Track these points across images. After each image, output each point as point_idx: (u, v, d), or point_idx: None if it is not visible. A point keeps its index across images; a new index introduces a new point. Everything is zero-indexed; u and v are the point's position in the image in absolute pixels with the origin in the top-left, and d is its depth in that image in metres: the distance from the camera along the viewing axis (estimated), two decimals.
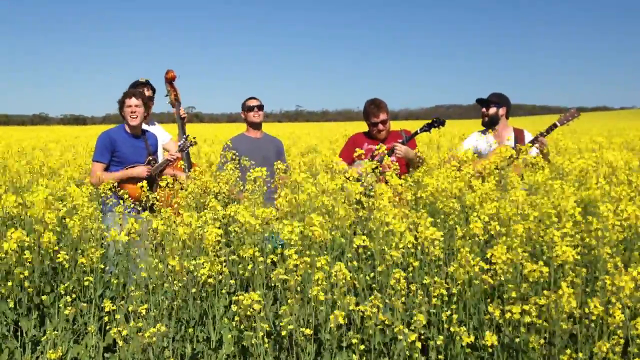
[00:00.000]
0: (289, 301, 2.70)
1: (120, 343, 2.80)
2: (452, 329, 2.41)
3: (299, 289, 2.70)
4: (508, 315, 2.36)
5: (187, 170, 4.96)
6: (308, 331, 2.59)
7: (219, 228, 3.16)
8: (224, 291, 3.13)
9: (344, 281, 2.59)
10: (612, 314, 2.23)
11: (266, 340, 2.67)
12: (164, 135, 5.49)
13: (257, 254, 2.94)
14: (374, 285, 2.98)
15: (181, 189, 4.36)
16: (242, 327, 2.77)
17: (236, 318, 2.67)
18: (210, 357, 3.07)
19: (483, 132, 5.25)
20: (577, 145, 8.07)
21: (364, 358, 2.69)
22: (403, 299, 2.62)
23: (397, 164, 4.13)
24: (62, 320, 3.27)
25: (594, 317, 2.33)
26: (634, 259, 2.82)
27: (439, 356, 2.60)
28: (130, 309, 2.96)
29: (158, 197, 4.16)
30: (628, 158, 4.20)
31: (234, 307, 2.67)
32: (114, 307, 3.00)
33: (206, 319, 3.13)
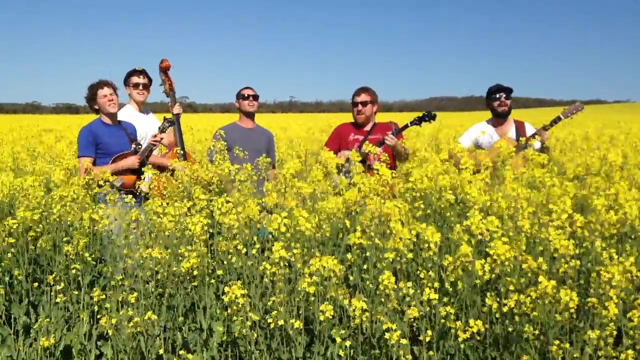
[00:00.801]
0: (278, 294, 2.68)
1: (111, 332, 2.79)
2: (448, 324, 2.39)
3: (286, 282, 2.68)
4: (506, 308, 2.34)
5: (180, 158, 4.94)
6: (298, 324, 2.57)
7: (206, 217, 3.13)
8: (213, 281, 3.11)
9: (333, 274, 2.56)
10: (606, 307, 2.22)
11: (255, 331, 2.65)
12: (158, 124, 5.44)
13: (239, 246, 2.91)
14: (365, 276, 2.96)
15: (172, 173, 4.33)
16: (233, 318, 2.75)
17: (228, 310, 2.65)
18: (201, 347, 3.05)
19: (488, 123, 5.20)
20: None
21: (356, 349, 2.68)
22: (394, 297, 2.58)
23: (386, 154, 4.11)
24: (53, 307, 3.25)
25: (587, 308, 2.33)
26: (625, 251, 2.82)
27: (429, 352, 2.58)
28: (119, 298, 2.94)
29: (151, 186, 4.13)
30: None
31: (224, 298, 2.65)
32: (103, 296, 2.97)
33: (197, 308, 3.12)
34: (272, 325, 2.65)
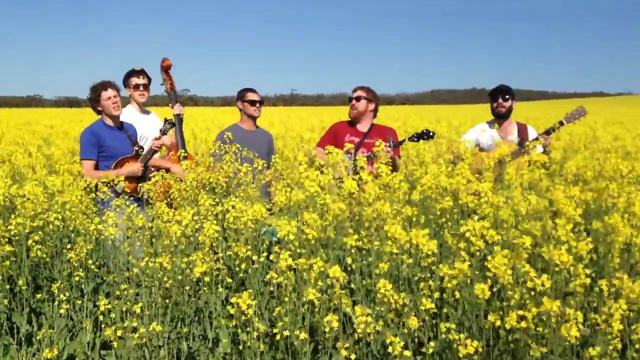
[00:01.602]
0: (284, 304, 2.67)
1: (115, 344, 2.78)
2: (450, 337, 2.37)
3: (293, 290, 2.68)
4: (508, 325, 2.33)
5: (182, 158, 4.93)
6: (303, 335, 2.57)
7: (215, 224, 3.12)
8: (220, 289, 3.11)
9: (338, 284, 2.56)
10: (610, 324, 2.20)
11: (262, 341, 2.65)
12: (159, 125, 5.43)
13: (249, 252, 2.90)
14: (365, 282, 2.96)
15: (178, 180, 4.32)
16: (238, 328, 2.74)
17: (233, 321, 2.64)
18: (207, 356, 3.05)
19: (490, 124, 5.19)
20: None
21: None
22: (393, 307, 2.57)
23: (388, 156, 4.09)
24: (56, 317, 3.25)
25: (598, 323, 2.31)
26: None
27: None
28: (123, 308, 2.93)
29: (153, 189, 4.13)
30: None
31: (229, 309, 2.64)
32: (109, 306, 2.97)
33: (202, 316, 3.11)
34: (278, 337, 2.65)
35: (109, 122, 4.73)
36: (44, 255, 3.31)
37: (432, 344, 2.49)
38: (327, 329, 2.47)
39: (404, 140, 4.91)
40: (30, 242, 3.33)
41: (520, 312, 2.34)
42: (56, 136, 7.80)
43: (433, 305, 2.52)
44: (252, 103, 5.36)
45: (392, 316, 2.58)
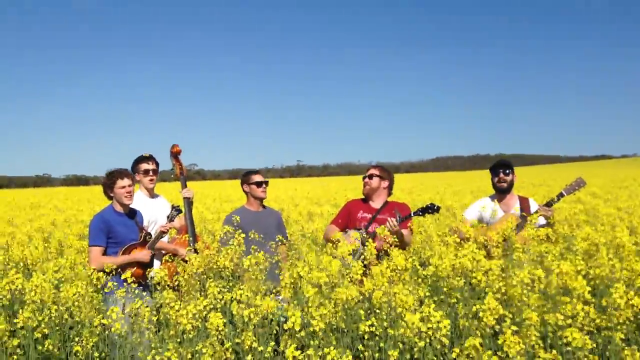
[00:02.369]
0: None
1: None
2: None
3: None
4: None
5: (192, 243, 4.95)
6: None
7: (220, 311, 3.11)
8: None
9: None
10: None
11: None
12: (167, 209, 5.49)
13: (254, 344, 2.87)
14: None
15: (184, 261, 4.32)
16: None
17: None
18: None
19: (492, 198, 5.23)
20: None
21: None
22: None
23: (395, 237, 4.11)
24: None
25: None
26: None
27: None
28: None
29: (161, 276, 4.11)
30: None
31: None
32: None
33: None
34: None
35: (119, 208, 4.77)
36: (56, 350, 3.27)
37: None
38: None
39: (410, 215, 4.92)
40: (37, 334, 3.31)
41: None
42: (63, 226, 7.81)
43: None
44: (259, 185, 5.44)
45: None
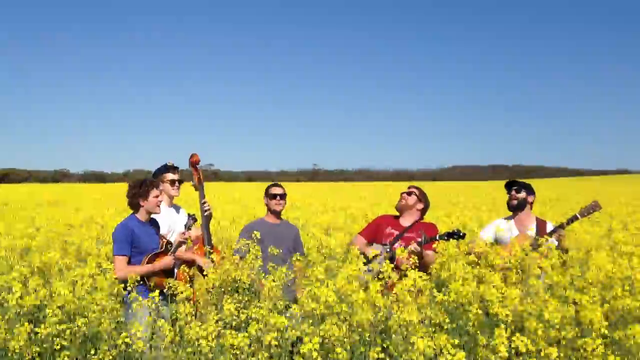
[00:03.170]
0: None
1: None
2: None
3: None
4: None
5: (208, 255, 4.99)
6: None
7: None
8: None
9: None
10: None
11: None
12: (185, 218, 5.54)
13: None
14: None
15: (202, 273, 4.35)
16: None
17: None
18: None
19: (507, 219, 5.22)
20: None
21: None
22: None
23: (415, 258, 4.10)
24: None
25: None
26: None
27: None
28: None
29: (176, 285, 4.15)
30: None
31: None
32: None
33: None
34: None
35: (142, 217, 4.81)
36: None
37: None
38: None
39: (435, 238, 4.87)
40: (56, 345, 3.35)
41: None
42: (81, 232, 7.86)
43: None
44: (273, 197, 5.47)
45: None
